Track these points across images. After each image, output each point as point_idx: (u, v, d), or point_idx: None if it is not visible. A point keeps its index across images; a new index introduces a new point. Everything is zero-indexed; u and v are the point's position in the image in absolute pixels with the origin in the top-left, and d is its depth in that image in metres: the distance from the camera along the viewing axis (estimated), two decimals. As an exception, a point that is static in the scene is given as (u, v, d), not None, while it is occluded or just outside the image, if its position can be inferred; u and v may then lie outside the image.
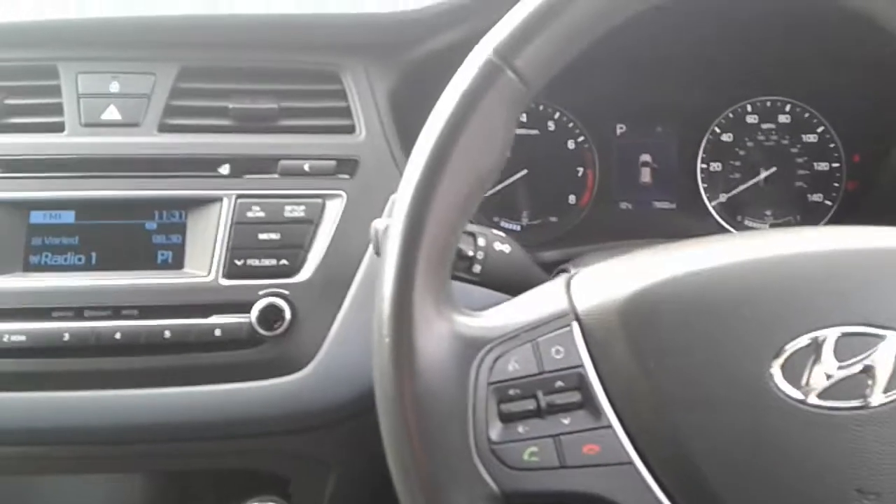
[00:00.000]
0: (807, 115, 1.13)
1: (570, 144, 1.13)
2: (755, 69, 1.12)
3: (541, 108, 1.12)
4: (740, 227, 1.12)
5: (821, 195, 1.13)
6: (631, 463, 0.53)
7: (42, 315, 0.80)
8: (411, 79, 0.95)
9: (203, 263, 0.83)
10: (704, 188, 1.13)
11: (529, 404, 0.53)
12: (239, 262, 0.82)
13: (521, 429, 0.53)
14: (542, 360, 0.54)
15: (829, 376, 0.52)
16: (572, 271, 0.78)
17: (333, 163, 0.87)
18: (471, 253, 0.70)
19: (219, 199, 0.84)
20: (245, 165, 0.86)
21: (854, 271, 0.54)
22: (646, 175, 1.14)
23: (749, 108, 1.14)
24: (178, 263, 0.84)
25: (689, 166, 1.13)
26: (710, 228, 1.12)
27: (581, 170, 1.13)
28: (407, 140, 0.93)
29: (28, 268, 0.82)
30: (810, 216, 1.13)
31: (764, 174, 1.13)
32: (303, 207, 0.85)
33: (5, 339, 0.78)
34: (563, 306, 0.56)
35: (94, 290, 0.81)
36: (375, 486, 0.85)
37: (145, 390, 0.81)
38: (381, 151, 0.90)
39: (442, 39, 0.94)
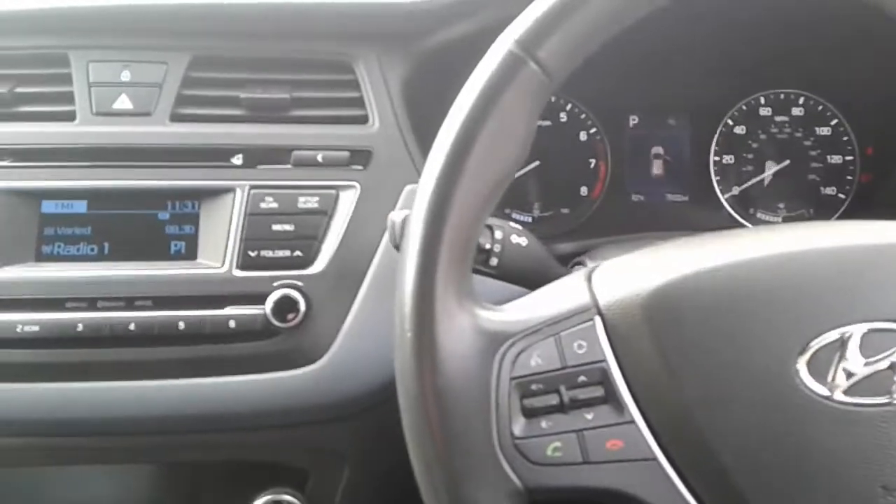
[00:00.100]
0: (820, 107, 1.13)
1: (583, 136, 1.12)
2: (768, 61, 1.11)
3: (553, 99, 1.11)
4: (753, 220, 1.12)
5: (834, 188, 1.12)
6: (654, 459, 0.52)
7: (55, 305, 0.79)
8: (424, 69, 0.94)
9: (216, 254, 0.82)
10: (717, 181, 1.12)
11: (552, 399, 0.53)
12: (253, 254, 0.82)
13: (544, 424, 0.52)
14: (565, 355, 0.53)
15: (854, 373, 0.51)
16: (590, 264, 0.78)
17: (347, 153, 0.87)
18: (488, 245, 0.69)
19: (232, 190, 0.84)
20: (258, 156, 0.86)
21: (881, 267, 0.53)
22: (658, 167, 1.13)
23: (762, 100, 1.13)
24: (191, 254, 0.83)
25: (702, 159, 1.13)
26: (722, 221, 1.11)
27: (593, 161, 1.12)
28: (420, 130, 0.92)
29: (40, 258, 0.82)
30: (824, 209, 1.12)
31: (777, 167, 1.12)
32: (316, 198, 0.84)
33: (18, 329, 0.78)
34: (586, 300, 0.55)
35: (107, 280, 0.80)
36: (390, 478, 0.85)
37: (159, 382, 0.80)
38: (394, 142, 0.89)
39: (456, 29, 0.93)
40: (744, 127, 1.13)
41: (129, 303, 0.80)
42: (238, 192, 0.83)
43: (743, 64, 1.11)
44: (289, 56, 0.91)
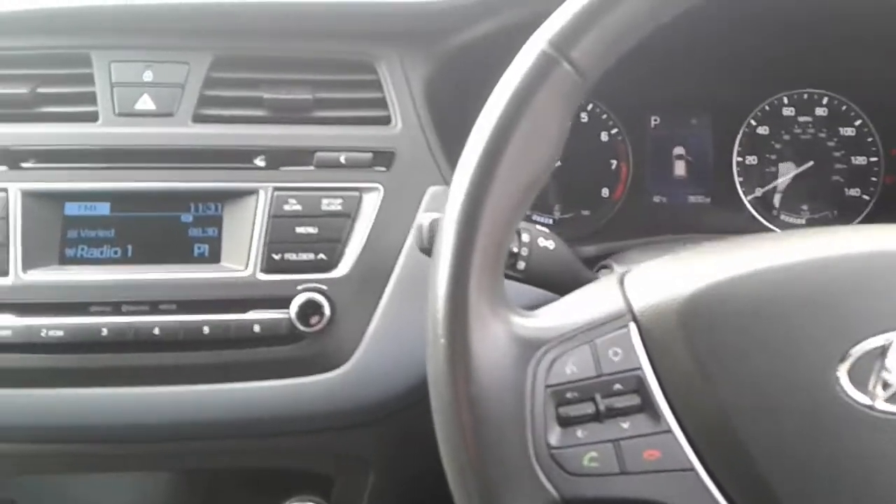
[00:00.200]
0: (844, 108, 1.11)
1: (604, 136, 1.11)
2: (792, 61, 1.10)
3: (574, 99, 1.10)
4: (776, 221, 1.11)
5: (858, 189, 1.11)
6: (692, 469, 0.51)
7: (80, 310, 0.79)
8: (447, 68, 0.94)
9: (240, 257, 0.81)
10: (740, 182, 1.11)
11: (588, 408, 0.52)
12: (276, 257, 0.81)
13: (579, 433, 0.52)
14: (600, 363, 0.53)
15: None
16: (617, 268, 0.78)
17: (370, 155, 0.86)
18: (515, 249, 0.69)
19: (255, 192, 0.83)
20: (281, 157, 0.85)
21: (924, 273, 0.52)
22: (680, 168, 1.12)
23: (785, 100, 1.12)
24: (214, 257, 0.82)
25: (725, 160, 1.12)
26: (745, 223, 1.10)
27: (614, 162, 1.11)
28: (443, 131, 0.91)
29: (64, 261, 0.81)
30: (847, 211, 1.11)
31: (800, 168, 1.11)
32: (340, 200, 0.83)
33: (42, 333, 0.77)
34: (620, 306, 0.54)
35: (131, 284, 0.80)
36: (416, 483, 0.85)
37: (183, 387, 0.80)
38: (417, 143, 0.88)
39: (479, 29, 0.92)
40: (767, 127, 1.11)
41: (154, 307, 0.79)
42: (261, 193, 0.83)
43: (766, 63, 1.10)
44: (311, 56, 0.90)
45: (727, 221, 1.11)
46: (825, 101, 1.11)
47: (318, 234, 0.82)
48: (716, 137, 1.12)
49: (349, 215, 0.83)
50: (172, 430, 0.81)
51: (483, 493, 0.51)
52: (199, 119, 0.86)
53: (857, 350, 0.50)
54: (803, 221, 1.11)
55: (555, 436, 0.52)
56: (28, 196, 0.81)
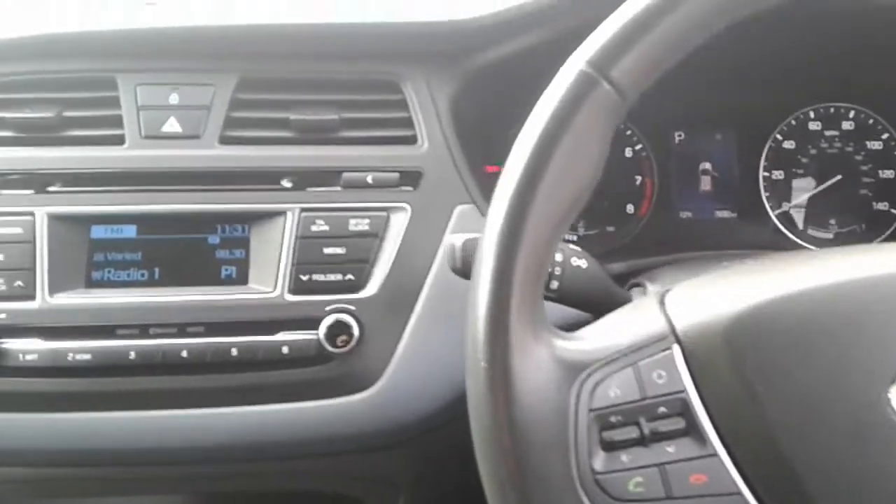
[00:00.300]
0: (871, 121, 1.10)
1: (628, 152, 1.10)
2: (818, 75, 1.09)
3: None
4: (804, 236, 1.09)
5: (886, 203, 1.10)
6: (739, 493, 0.50)
7: (107, 333, 0.78)
8: (472, 87, 0.93)
9: (268, 279, 0.81)
10: (766, 197, 1.10)
11: (632, 432, 0.51)
12: (304, 278, 0.80)
13: (624, 458, 0.51)
14: (644, 386, 0.52)
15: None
16: (650, 286, 0.77)
17: (396, 174, 0.86)
18: (548, 268, 0.68)
19: (282, 213, 0.82)
20: (308, 178, 0.85)
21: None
22: (706, 183, 1.11)
23: (812, 114, 1.11)
24: (242, 279, 0.82)
25: (751, 174, 1.11)
26: (772, 238, 1.09)
27: (639, 178, 1.10)
28: (469, 150, 0.91)
29: (90, 284, 0.81)
30: (875, 225, 1.10)
31: (828, 182, 1.10)
32: (367, 221, 0.83)
33: (69, 357, 0.77)
34: (662, 327, 0.54)
35: (159, 306, 0.79)
36: (446, 504, 0.84)
37: (211, 410, 0.79)
38: (444, 162, 0.88)
39: (504, 48, 0.92)
40: (793, 142, 1.10)
41: (182, 329, 0.79)
42: (289, 215, 0.82)
43: (791, 77, 1.09)
44: (336, 77, 0.90)
45: (754, 236, 1.09)
46: (852, 114, 1.10)
47: (346, 255, 0.82)
48: (741, 152, 1.11)
49: (377, 235, 0.83)
50: (201, 453, 0.80)
51: (527, 520, 0.50)
52: (225, 141, 0.85)
53: (908, 370, 0.49)
54: (831, 236, 1.10)
55: (599, 461, 0.51)
56: (54, 220, 0.81)
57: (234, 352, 0.78)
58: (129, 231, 0.82)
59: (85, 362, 0.77)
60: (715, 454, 0.51)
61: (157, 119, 0.85)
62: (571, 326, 0.58)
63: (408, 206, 0.85)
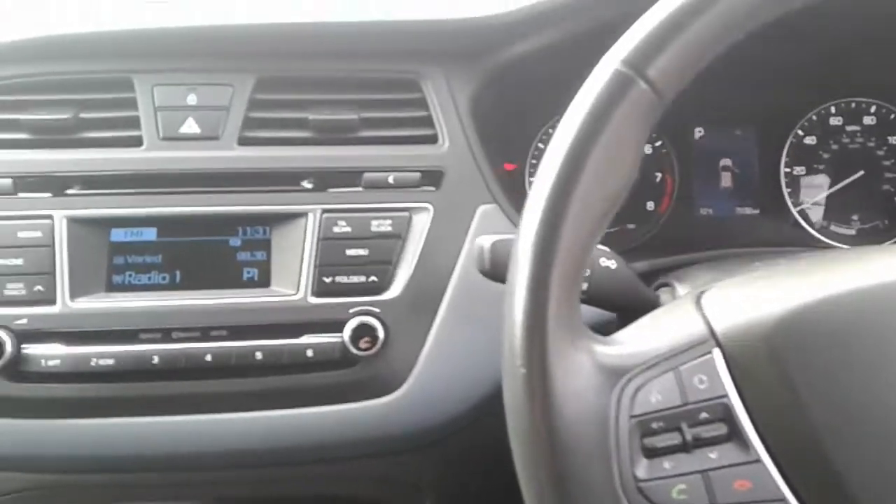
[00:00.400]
0: (893, 116, 1.09)
1: (647, 149, 1.09)
2: (839, 70, 1.07)
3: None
4: (826, 232, 1.08)
5: (909, 198, 1.09)
6: (784, 500, 0.49)
7: (130, 337, 0.77)
8: (493, 85, 0.92)
9: (290, 281, 0.80)
10: (788, 193, 1.09)
11: (674, 438, 0.50)
12: (327, 280, 0.80)
13: (666, 464, 0.50)
14: (686, 391, 0.50)
15: None
16: (679, 287, 0.76)
17: (418, 174, 0.85)
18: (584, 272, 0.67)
19: (303, 214, 0.82)
20: (328, 179, 0.84)
21: None
22: (726, 180, 1.10)
23: (833, 109, 1.09)
24: (264, 281, 0.81)
25: (772, 170, 1.09)
26: (794, 234, 1.08)
27: (659, 175, 1.09)
28: (490, 149, 0.90)
29: (111, 288, 0.80)
30: (898, 220, 1.09)
31: (850, 178, 1.08)
32: (389, 221, 0.82)
33: (92, 363, 0.76)
34: (702, 331, 0.52)
35: (181, 310, 0.79)
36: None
37: (235, 415, 0.79)
38: (465, 161, 0.87)
39: (525, 45, 0.91)
40: (814, 137, 1.09)
41: (205, 333, 0.78)
42: (310, 216, 0.81)
43: (812, 73, 1.08)
44: (355, 76, 0.89)
45: (776, 233, 1.08)
46: (873, 109, 1.09)
47: (369, 256, 0.81)
48: (762, 148, 1.10)
49: (399, 236, 0.82)
50: (226, 458, 0.80)
51: (569, 529, 0.49)
52: (244, 142, 0.84)
53: (957, 372, 0.48)
54: (853, 232, 1.09)
55: (642, 468, 0.49)
56: (74, 223, 0.80)
57: (259, 355, 0.77)
58: (150, 234, 0.81)
59: (108, 367, 0.76)
60: (759, 460, 0.50)
61: (174, 120, 0.84)
62: (596, 327, 0.57)
63: (430, 207, 0.84)
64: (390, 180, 0.84)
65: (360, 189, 0.84)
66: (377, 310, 0.79)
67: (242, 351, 0.77)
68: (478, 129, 0.89)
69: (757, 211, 1.10)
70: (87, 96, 0.86)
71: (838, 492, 0.49)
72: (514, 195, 0.92)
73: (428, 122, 0.87)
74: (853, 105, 1.09)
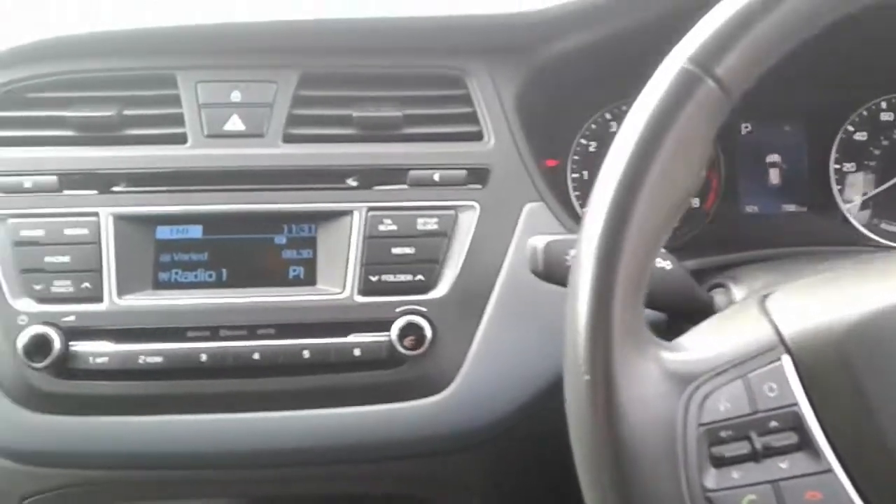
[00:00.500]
0: (945, 111, 1.06)
1: (692, 145, 1.07)
2: (889, 65, 1.05)
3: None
4: (877, 231, 1.06)
5: (962, 196, 1.06)
6: (857, 512, 0.48)
7: (178, 335, 0.77)
8: (537, 81, 0.91)
9: (336, 279, 0.79)
10: (838, 190, 1.07)
11: (743, 447, 0.49)
12: (374, 279, 0.79)
13: (735, 474, 0.48)
14: (755, 399, 0.49)
15: None
16: (734, 289, 0.74)
17: (464, 172, 0.84)
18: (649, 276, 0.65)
19: (349, 212, 0.81)
20: (373, 176, 0.83)
21: None
22: (774, 176, 1.08)
23: (884, 104, 1.07)
24: (310, 279, 0.81)
25: (821, 167, 1.07)
26: (843, 233, 1.06)
27: (704, 171, 1.07)
28: (536, 146, 0.88)
29: (158, 285, 0.80)
30: (951, 218, 1.06)
31: (901, 174, 1.06)
32: (435, 220, 0.81)
33: (141, 360, 0.76)
34: (770, 336, 0.51)
35: (228, 308, 0.78)
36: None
37: (282, 413, 0.78)
38: (511, 158, 0.86)
39: (571, 40, 0.89)
40: (865, 133, 1.07)
41: (252, 331, 0.77)
42: (356, 214, 0.81)
43: (862, 67, 1.05)
44: (398, 72, 0.88)
45: (824, 231, 1.06)
46: (925, 104, 1.06)
47: (415, 255, 0.80)
48: (811, 144, 1.08)
49: (446, 234, 0.81)
50: (271, 456, 0.79)
51: (635, 539, 0.48)
52: (289, 139, 0.84)
53: None
54: (905, 230, 1.06)
55: (710, 477, 0.48)
56: (120, 220, 0.80)
57: (306, 354, 0.77)
58: (195, 231, 0.81)
59: (156, 365, 0.76)
60: (830, 470, 0.48)
61: (219, 117, 0.84)
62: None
63: (476, 205, 0.83)
64: (436, 178, 0.83)
65: (405, 187, 0.83)
66: (424, 309, 0.78)
67: (290, 349, 0.77)
68: (523, 125, 0.88)
69: (805, 208, 1.08)
70: (131, 93, 0.86)
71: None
72: (557, 192, 0.91)
73: (473, 118, 0.86)
74: (905, 100, 1.07)
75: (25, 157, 0.82)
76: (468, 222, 0.82)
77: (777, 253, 0.89)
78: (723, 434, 0.49)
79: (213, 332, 0.77)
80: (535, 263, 0.66)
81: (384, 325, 0.77)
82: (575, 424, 0.50)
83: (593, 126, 1.04)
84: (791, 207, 1.08)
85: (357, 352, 0.77)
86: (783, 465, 0.49)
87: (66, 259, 0.78)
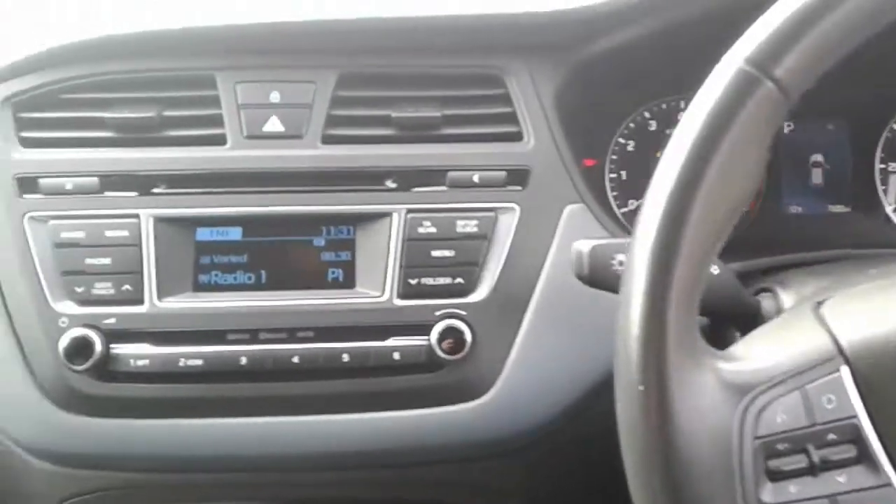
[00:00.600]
0: None
1: (733, 144, 1.05)
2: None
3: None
4: (923, 232, 1.03)
5: None
6: (916, 527, 0.46)
7: (218, 338, 0.77)
8: (576, 80, 0.90)
9: (375, 282, 0.79)
10: (882, 190, 1.04)
11: (800, 460, 0.48)
12: (413, 282, 0.78)
13: (792, 488, 0.47)
14: (813, 411, 0.48)
15: None
16: (782, 294, 0.72)
17: (503, 173, 0.83)
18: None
19: (388, 214, 0.80)
20: (412, 178, 0.82)
21: None
22: (817, 176, 1.06)
23: (932, 102, 1.04)
24: (349, 282, 0.80)
25: (865, 167, 1.05)
26: (889, 234, 1.03)
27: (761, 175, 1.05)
28: (574, 145, 0.87)
29: (198, 288, 0.80)
30: None
31: (948, 174, 1.03)
32: (475, 222, 0.80)
33: (181, 363, 0.76)
34: (828, 346, 0.50)
35: (268, 310, 0.78)
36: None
37: (321, 417, 0.78)
38: (551, 159, 0.85)
39: (612, 38, 0.88)
40: (911, 131, 1.04)
41: (292, 334, 0.77)
42: (395, 216, 0.80)
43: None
44: (437, 71, 0.87)
45: (868, 232, 1.04)
46: (973, 101, 1.04)
47: (455, 258, 0.79)
48: (855, 143, 1.06)
49: (485, 237, 0.80)
50: (309, 460, 0.79)
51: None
52: (328, 140, 0.83)
53: None
54: (953, 230, 1.04)
55: (767, 492, 0.47)
56: (160, 222, 0.80)
57: (346, 357, 0.76)
58: (235, 233, 0.81)
59: (196, 368, 0.76)
60: (889, 484, 0.47)
61: (258, 118, 0.84)
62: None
63: (516, 207, 0.82)
64: (475, 179, 0.82)
65: (444, 188, 0.82)
66: (463, 312, 0.78)
67: (330, 353, 0.76)
68: (562, 125, 0.87)
69: (848, 209, 1.06)
70: (170, 94, 0.85)
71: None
72: (595, 193, 0.90)
73: (512, 118, 0.85)
74: (952, 98, 1.04)
75: (66, 158, 0.83)
76: (508, 224, 0.81)
77: (822, 256, 0.87)
78: (779, 447, 0.48)
79: (253, 335, 0.77)
80: (580, 268, 0.65)
81: (423, 329, 0.77)
82: (627, 434, 0.49)
83: (632, 125, 1.03)
84: (835, 208, 1.06)
85: (396, 356, 0.76)
86: (841, 479, 0.47)
87: (106, 261, 0.78)
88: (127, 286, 0.78)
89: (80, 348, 0.75)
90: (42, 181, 0.81)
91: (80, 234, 0.79)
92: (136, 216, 0.80)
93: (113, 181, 0.82)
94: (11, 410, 0.80)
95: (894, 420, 0.48)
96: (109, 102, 0.85)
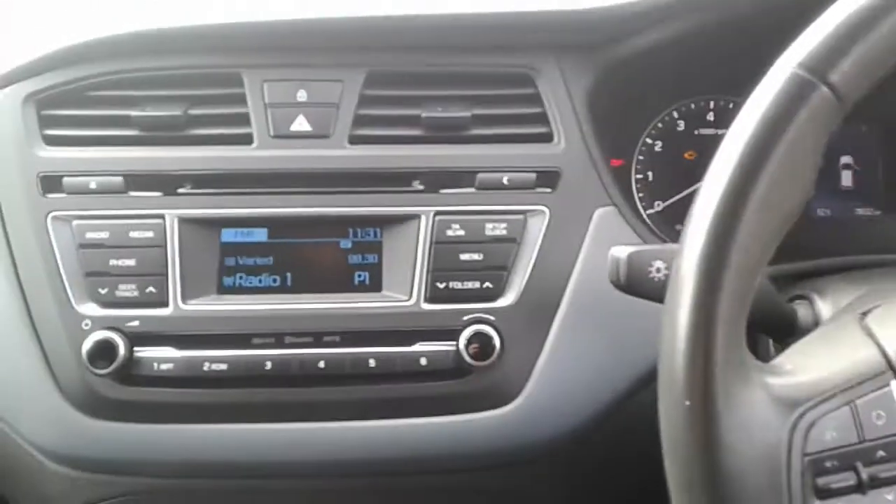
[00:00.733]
0: None
1: (761, 146, 1.03)
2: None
3: (731, 105, 1.03)
4: (956, 236, 1.02)
5: None
6: (966, 548, 0.45)
7: (243, 342, 0.76)
8: (607, 80, 0.88)
9: (403, 286, 0.78)
10: (914, 193, 1.03)
11: (849, 478, 0.46)
12: (441, 286, 0.77)
13: (841, 507, 0.46)
14: (863, 428, 0.47)
15: None
16: (819, 301, 0.71)
17: (533, 175, 0.81)
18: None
19: (416, 217, 0.79)
20: (440, 179, 0.81)
21: None
22: (847, 179, 1.04)
23: (964, 104, 1.02)
24: (375, 285, 0.79)
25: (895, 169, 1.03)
26: (921, 238, 1.01)
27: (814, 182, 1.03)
28: (607, 148, 0.86)
29: (222, 290, 0.79)
30: None
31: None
32: (504, 225, 0.79)
33: (205, 367, 0.75)
34: (877, 360, 0.49)
35: (293, 314, 0.77)
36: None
37: (348, 423, 0.77)
38: (582, 161, 0.83)
39: (644, 38, 0.87)
40: (945, 133, 1.02)
41: (318, 338, 0.76)
42: (423, 218, 0.79)
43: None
44: (466, 70, 0.86)
45: (899, 236, 1.02)
46: None
47: (483, 261, 0.78)
48: (885, 145, 1.03)
49: (514, 240, 0.79)
50: (334, 466, 0.78)
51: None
52: (355, 140, 0.82)
53: None
54: None
55: (815, 510, 0.46)
56: (185, 223, 0.79)
57: (372, 363, 0.75)
58: (261, 235, 0.80)
59: (220, 372, 0.75)
60: (940, 503, 0.46)
61: (285, 117, 0.82)
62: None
63: (546, 209, 0.80)
64: (505, 181, 0.81)
65: (472, 190, 0.81)
66: (492, 317, 0.76)
67: (356, 358, 0.75)
68: (593, 126, 0.85)
69: (878, 212, 1.04)
70: (197, 92, 0.84)
71: None
72: (624, 194, 0.88)
73: (543, 119, 0.84)
74: None
75: (91, 157, 0.81)
76: (537, 227, 0.80)
77: (854, 261, 0.85)
78: (828, 464, 0.47)
79: (278, 340, 0.76)
80: (616, 275, 0.64)
81: (451, 334, 0.75)
82: (672, 451, 0.47)
83: (660, 125, 1.01)
84: (865, 211, 1.04)
85: (423, 361, 0.75)
86: (890, 497, 0.46)
87: (131, 262, 0.77)
88: (151, 288, 0.77)
89: (103, 351, 0.74)
90: (66, 180, 0.80)
91: (104, 235, 0.78)
92: (161, 216, 0.79)
93: (138, 181, 0.81)
94: (32, 414, 0.79)
95: (946, 437, 0.46)
96: (135, 100, 0.84)
